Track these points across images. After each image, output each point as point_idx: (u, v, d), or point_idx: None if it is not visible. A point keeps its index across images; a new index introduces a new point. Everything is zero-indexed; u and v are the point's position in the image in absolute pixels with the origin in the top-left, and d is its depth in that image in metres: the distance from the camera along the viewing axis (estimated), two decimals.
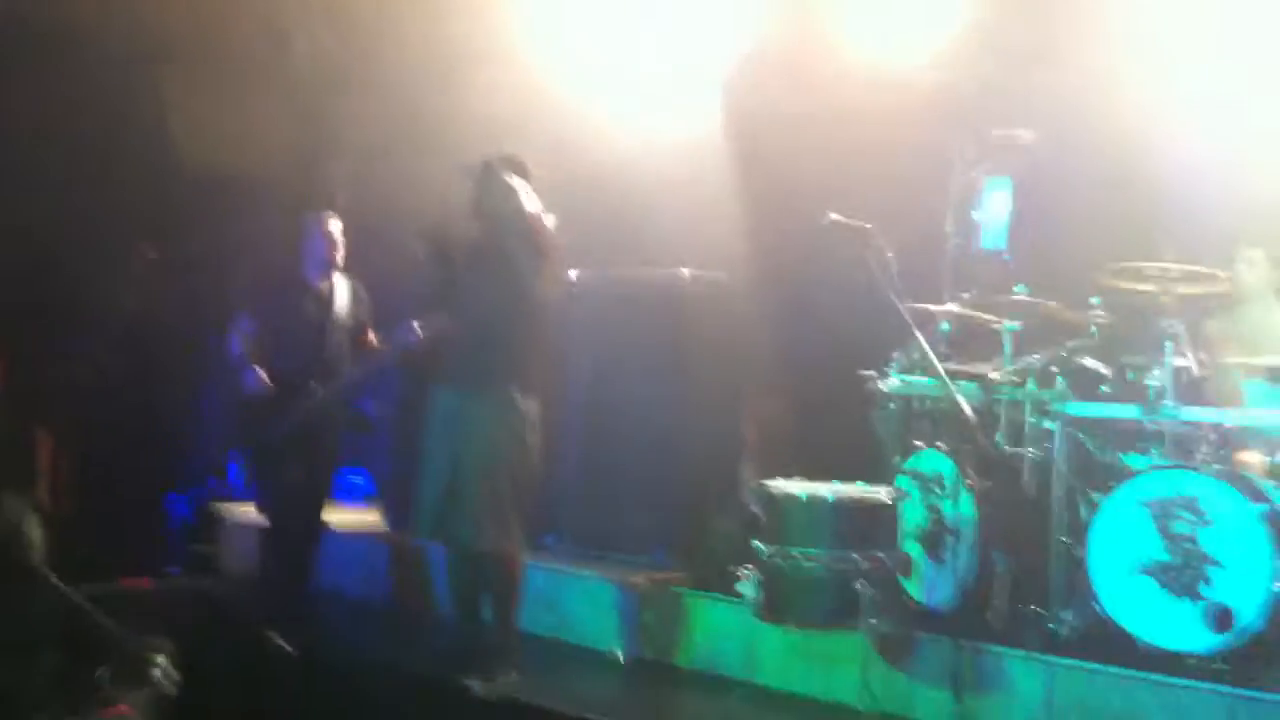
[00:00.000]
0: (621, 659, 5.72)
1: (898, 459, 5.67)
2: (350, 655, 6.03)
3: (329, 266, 6.34)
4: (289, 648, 5.87)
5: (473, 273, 5.47)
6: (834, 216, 5.16)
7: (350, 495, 8.60)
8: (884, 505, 5.06)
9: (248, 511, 8.19)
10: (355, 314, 6.38)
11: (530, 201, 5.34)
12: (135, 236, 7.62)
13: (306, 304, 6.28)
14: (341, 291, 6.35)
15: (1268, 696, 4.42)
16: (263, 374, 6.12)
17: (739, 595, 5.73)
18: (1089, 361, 5.45)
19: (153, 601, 6.74)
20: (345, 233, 6.38)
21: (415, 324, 5.86)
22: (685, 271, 6.87)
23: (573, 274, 7.14)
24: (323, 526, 6.46)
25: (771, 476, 5.31)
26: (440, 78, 7.70)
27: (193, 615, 6.43)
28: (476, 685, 5.26)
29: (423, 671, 5.62)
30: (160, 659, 4.65)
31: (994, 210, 6.22)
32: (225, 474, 8.69)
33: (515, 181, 5.35)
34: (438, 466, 5.37)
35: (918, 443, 5.64)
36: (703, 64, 7.32)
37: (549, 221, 5.37)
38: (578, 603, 6.44)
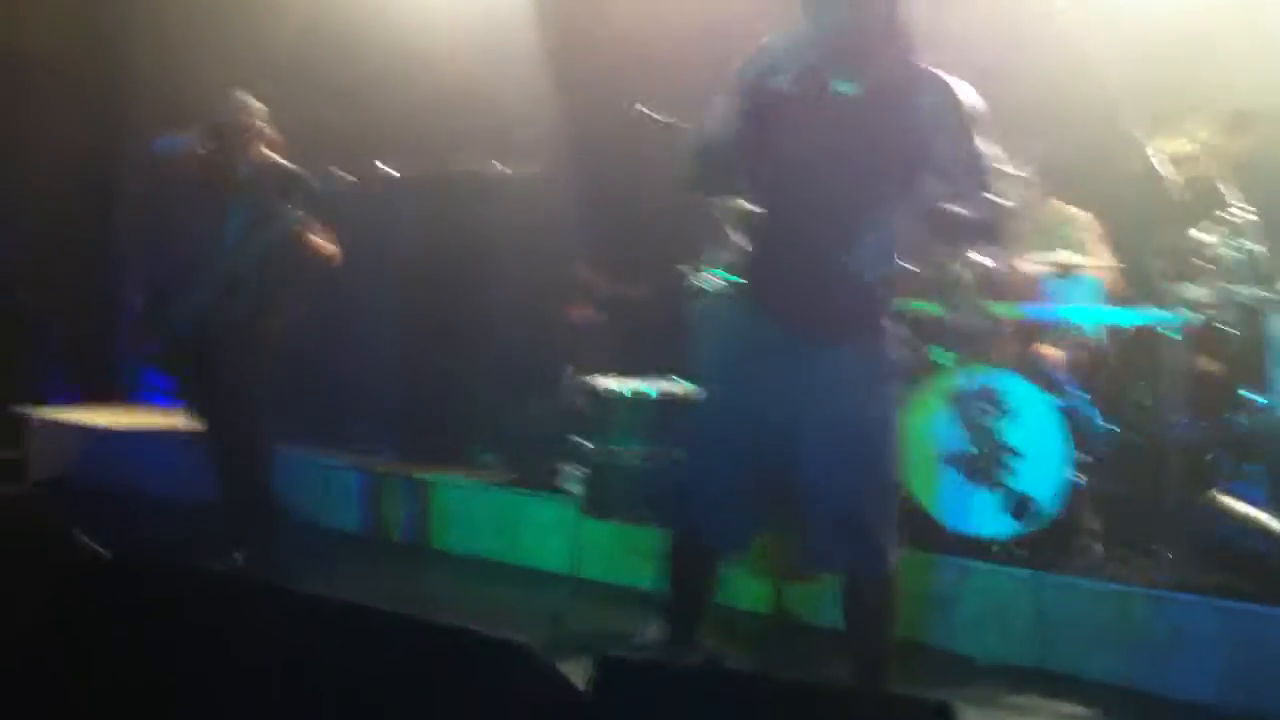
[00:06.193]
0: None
1: None
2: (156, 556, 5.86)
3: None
4: (102, 551, 5.68)
5: None
6: (640, 108, 5.04)
7: (152, 397, 8.42)
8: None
9: (57, 415, 7.93)
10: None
11: None
12: None
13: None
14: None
15: (1063, 578, 4.75)
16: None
17: (565, 491, 5.84)
18: None
19: None
20: None
21: None
22: (497, 165, 6.76)
23: (388, 170, 6.98)
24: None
25: (592, 372, 5.37)
26: None
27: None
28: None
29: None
30: None
31: None
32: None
33: None
34: None
35: None
36: None
37: None
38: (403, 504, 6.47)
